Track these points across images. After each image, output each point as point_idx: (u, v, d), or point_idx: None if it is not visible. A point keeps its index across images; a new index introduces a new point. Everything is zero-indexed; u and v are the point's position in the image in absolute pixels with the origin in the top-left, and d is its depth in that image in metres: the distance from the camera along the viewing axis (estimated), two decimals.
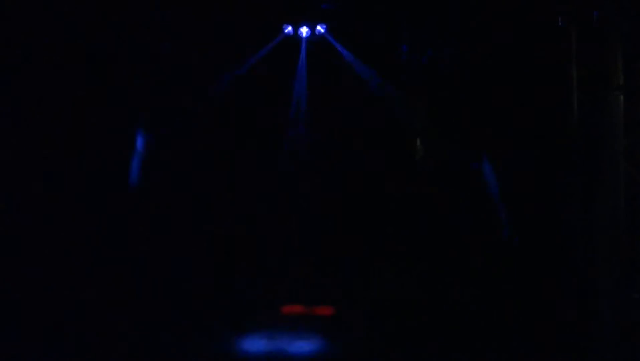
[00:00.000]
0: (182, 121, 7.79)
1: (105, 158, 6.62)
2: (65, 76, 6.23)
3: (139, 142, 7.21)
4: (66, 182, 6.25)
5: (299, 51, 8.07)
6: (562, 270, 5.52)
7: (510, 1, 6.38)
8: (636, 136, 5.05)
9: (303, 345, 6.03)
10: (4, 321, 5.57)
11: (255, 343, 6.00)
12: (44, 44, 5.96)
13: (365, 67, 7.90)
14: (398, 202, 8.09)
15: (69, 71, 6.25)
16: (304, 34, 7.99)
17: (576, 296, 5.50)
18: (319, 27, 7.96)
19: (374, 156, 7.98)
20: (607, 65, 5.11)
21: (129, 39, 6.88)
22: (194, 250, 7.06)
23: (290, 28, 7.95)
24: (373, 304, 6.91)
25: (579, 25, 5.40)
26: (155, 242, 7.00)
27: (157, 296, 6.74)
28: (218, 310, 6.61)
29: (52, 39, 6.02)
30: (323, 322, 6.56)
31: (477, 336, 6.18)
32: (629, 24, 5.08)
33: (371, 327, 6.42)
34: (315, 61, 8.01)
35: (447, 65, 7.91)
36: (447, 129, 7.96)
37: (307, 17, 7.72)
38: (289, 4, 7.53)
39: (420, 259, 8.17)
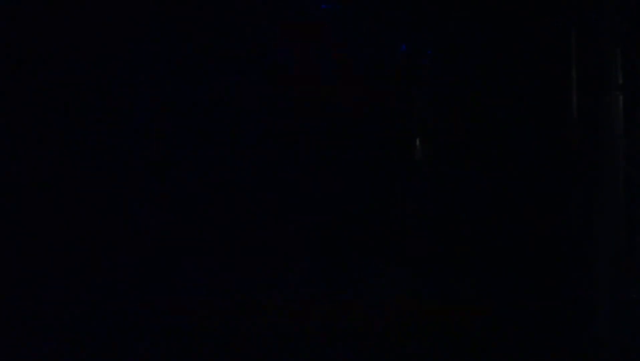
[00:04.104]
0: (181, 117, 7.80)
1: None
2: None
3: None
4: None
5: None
6: (561, 270, 5.53)
7: (509, 1, 6.39)
8: (636, 136, 5.05)
9: None
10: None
11: None
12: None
13: (365, 66, 7.91)
14: (397, 202, 8.10)
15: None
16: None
17: (576, 296, 5.50)
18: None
19: (373, 156, 7.99)
20: (607, 65, 5.11)
21: (124, 38, 6.88)
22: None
23: None
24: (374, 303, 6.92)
25: (578, 25, 5.40)
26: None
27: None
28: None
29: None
30: None
31: (474, 335, 6.18)
32: (628, 24, 5.09)
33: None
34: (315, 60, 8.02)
35: (447, 65, 7.92)
36: (447, 128, 7.98)
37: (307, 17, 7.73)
38: (288, 4, 7.53)
39: (420, 259, 8.18)
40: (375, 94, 8.02)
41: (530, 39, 6.12)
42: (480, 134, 7.32)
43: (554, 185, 5.66)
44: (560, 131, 5.54)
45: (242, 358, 5.85)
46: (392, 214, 8.12)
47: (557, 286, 5.62)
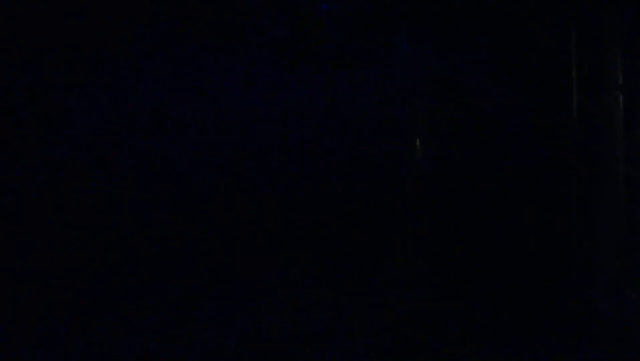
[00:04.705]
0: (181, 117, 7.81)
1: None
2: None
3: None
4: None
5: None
6: (561, 270, 5.53)
7: (509, 1, 6.39)
8: (636, 136, 5.04)
9: None
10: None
11: None
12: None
13: (365, 66, 7.90)
14: (397, 202, 8.10)
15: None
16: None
17: (575, 296, 5.50)
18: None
19: (373, 157, 7.99)
20: (607, 65, 5.11)
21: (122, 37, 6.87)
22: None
23: None
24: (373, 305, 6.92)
25: (578, 25, 5.40)
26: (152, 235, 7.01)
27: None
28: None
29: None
30: None
31: (474, 334, 6.18)
32: (628, 24, 5.08)
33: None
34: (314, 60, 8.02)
35: (446, 65, 7.92)
36: (447, 128, 7.98)
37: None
38: (288, 4, 7.53)
39: (420, 259, 8.18)
40: (375, 95, 8.01)
41: (531, 39, 6.12)
42: (480, 134, 7.32)
43: (554, 185, 5.66)
44: (560, 131, 5.54)
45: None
46: (392, 213, 8.11)
47: (557, 286, 5.62)
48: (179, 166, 7.69)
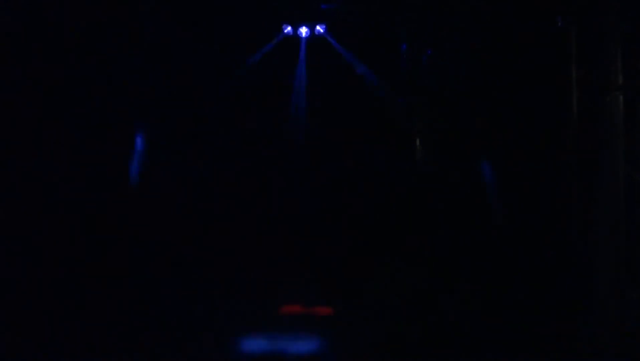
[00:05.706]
0: (182, 119, 7.80)
1: (105, 157, 6.63)
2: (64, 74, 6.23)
3: (139, 141, 7.22)
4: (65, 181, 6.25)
5: (299, 51, 8.07)
6: (562, 270, 5.53)
7: (510, 1, 6.39)
8: (636, 136, 5.03)
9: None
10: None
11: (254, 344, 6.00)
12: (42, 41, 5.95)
13: (365, 66, 7.89)
14: (397, 201, 8.09)
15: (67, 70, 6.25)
16: (304, 34, 8.00)
17: (576, 296, 5.50)
18: (318, 27, 7.97)
19: (373, 156, 7.98)
20: (607, 65, 5.10)
21: (129, 39, 6.88)
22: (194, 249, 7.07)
23: (290, 28, 7.96)
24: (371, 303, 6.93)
25: (578, 25, 5.40)
26: (156, 240, 7.02)
27: (157, 294, 6.76)
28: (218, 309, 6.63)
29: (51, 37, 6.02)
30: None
31: (475, 335, 6.18)
32: (629, 24, 5.08)
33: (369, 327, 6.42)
34: (315, 61, 8.01)
35: (447, 65, 7.91)
36: (447, 128, 7.98)
37: (307, 17, 7.72)
38: (289, 4, 7.52)
39: (419, 258, 8.18)
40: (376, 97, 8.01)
41: (531, 39, 6.11)
42: (480, 134, 7.32)
43: (554, 185, 5.66)
44: (560, 131, 5.53)
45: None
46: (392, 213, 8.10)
47: (557, 286, 5.61)
48: None
